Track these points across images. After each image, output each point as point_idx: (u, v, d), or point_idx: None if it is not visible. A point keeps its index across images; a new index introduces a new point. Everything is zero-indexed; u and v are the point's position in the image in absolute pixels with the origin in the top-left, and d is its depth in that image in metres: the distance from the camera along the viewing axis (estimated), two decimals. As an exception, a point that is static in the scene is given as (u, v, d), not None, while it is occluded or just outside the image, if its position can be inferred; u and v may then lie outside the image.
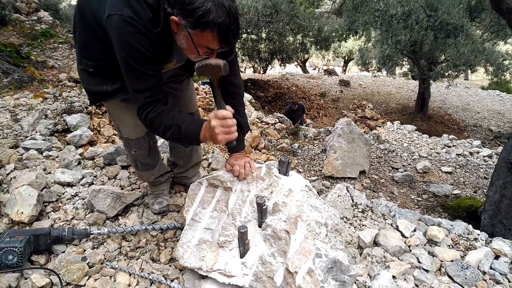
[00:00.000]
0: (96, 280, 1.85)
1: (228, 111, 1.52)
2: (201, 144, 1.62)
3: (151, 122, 1.60)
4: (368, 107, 14.36)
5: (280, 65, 16.11)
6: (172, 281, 1.89)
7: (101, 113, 3.98)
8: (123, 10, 1.41)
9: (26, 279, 1.76)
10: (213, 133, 1.51)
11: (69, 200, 2.42)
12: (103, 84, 1.79)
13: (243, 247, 1.69)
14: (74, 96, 4.06)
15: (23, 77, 4.43)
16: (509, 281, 2.23)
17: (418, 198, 4.39)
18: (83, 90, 4.21)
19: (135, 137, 1.99)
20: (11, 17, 6.76)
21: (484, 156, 7.05)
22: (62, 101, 3.90)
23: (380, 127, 11.65)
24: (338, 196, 2.82)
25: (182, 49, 1.56)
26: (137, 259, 2.02)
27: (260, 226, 1.80)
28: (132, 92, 1.59)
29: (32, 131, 3.29)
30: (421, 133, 9.77)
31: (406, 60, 14.09)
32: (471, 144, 8.38)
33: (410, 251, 2.36)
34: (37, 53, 5.66)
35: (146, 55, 1.48)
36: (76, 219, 2.24)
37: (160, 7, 1.44)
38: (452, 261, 2.28)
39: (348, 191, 2.96)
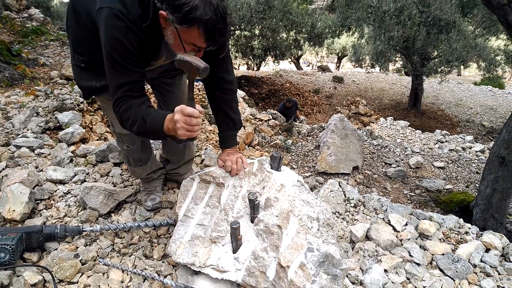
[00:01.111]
0: (89, 277, 1.85)
1: (195, 110, 1.48)
2: (167, 137, 1.60)
3: (121, 116, 1.59)
4: (362, 103, 14.38)
5: (274, 62, 16.10)
6: (165, 277, 1.89)
7: (93, 110, 3.96)
8: (114, 3, 1.43)
9: (18, 276, 1.75)
10: (175, 126, 1.49)
11: (61, 198, 2.41)
12: (92, 80, 1.80)
13: (236, 242, 1.70)
14: (65, 94, 4.03)
15: (14, 75, 4.38)
16: (499, 274, 2.26)
17: (410, 193, 4.42)
18: (74, 87, 4.18)
19: (127, 131, 1.99)
20: (1, 15, 6.68)
21: (476, 151, 7.11)
22: (53, 99, 3.87)
23: (373, 123, 11.70)
24: (331, 191, 2.84)
25: (169, 45, 1.56)
26: (130, 256, 2.02)
27: (252, 221, 1.80)
28: (111, 86, 1.58)
29: (23, 128, 3.27)
30: (414, 129, 9.83)
31: (399, 56, 14.14)
32: (464, 139, 8.44)
33: (402, 245, 2.38)
34: (28, 51, 5.60)
35: (130, 51, 1.49)
36: (68, 217, 2.24)
37: (150, 2, 1.45)
38: (443, 254, 2.31)
39: (340, 186, 2.98)
